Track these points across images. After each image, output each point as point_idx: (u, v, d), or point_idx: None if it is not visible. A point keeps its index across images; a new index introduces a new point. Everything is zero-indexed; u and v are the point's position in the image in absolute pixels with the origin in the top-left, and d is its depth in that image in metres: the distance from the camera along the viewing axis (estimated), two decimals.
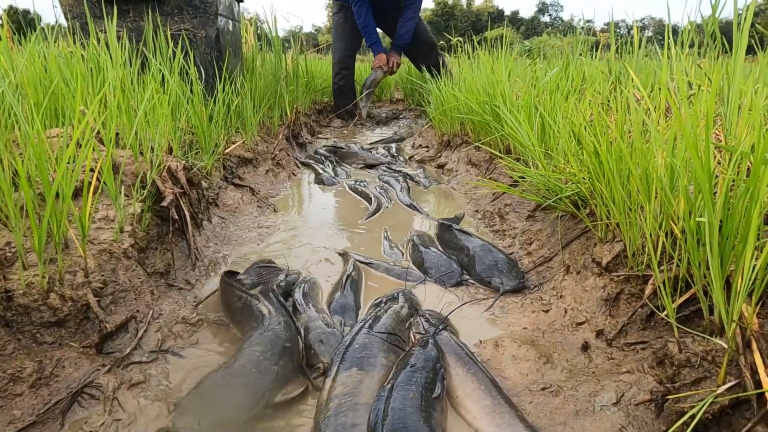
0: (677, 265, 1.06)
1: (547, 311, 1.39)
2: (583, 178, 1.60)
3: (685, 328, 0.91)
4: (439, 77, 3.92)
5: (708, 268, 0.89)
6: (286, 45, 5.67)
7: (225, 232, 2.00)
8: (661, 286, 0.94)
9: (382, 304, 1.40)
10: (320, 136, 4.86)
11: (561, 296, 1.41)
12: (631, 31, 2.53)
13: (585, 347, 1.18)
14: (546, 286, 1.52)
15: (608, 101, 2.08)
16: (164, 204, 1.50)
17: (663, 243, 1.11)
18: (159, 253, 1.53)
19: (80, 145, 1.30)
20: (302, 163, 3.49)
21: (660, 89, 1.47)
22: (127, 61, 2.25)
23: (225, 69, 2.95)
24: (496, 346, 1.23)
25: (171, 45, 2.57)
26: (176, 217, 1.55)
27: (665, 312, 0.98)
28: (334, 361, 1.11)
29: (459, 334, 1.32)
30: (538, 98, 2.40)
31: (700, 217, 0.92)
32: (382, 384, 1.05)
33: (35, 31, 2.38)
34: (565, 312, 1.34)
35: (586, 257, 1.46)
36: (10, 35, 2.70)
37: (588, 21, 9.88)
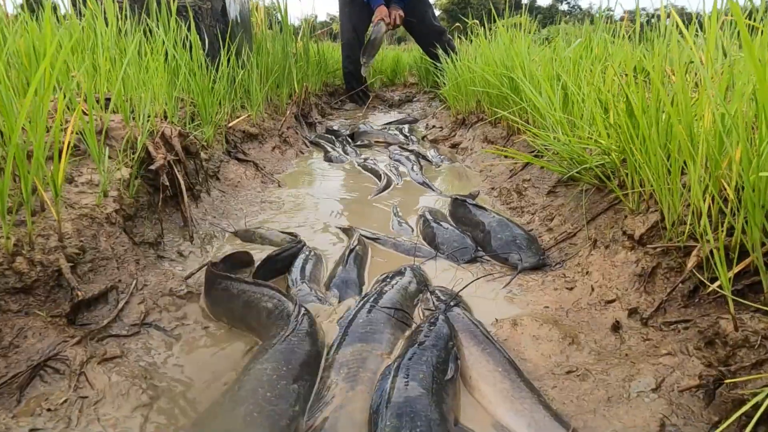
0: (727, 233, 0.92)
1: (571, 289, 1.25)
2: (612, 146, 1.45)
3: (743, 301, 0.77)
4: (455, 56, 3.76)
5: None
6: (299, 31, 5.52)
7: (224, 206, 1.88)
8: (714, 252, 0.80)
9: (388, 279, 1.27)
10: (331, 117, 4.73)
11: (587, 273, 1.27)
12: (652, 20, 2.34)
13: (616, 327, 1.04)
14: (569, 263, 1.38)
15: (640, 67, 1.91)
16: (153, 167, 1.38)
17: (710, 207, 0.96)
18: (149, 222, 1.42)
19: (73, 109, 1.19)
20: (311, 143, 3.37)
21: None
22: (130, 31, 2.14)
23: (230, 41, 2.82)
24: (515, 325, 1.10)
25: (174, 14, 2.46)
26: (167, 184, 1.43)
27: (717, 283, 0.84)
28: (334, 337, 0.99)
29: (473, 313, 1.19)
30: (560, 68, 2.24)
31: (762, 171, 0.78)
32: (387, 363, 0.93)
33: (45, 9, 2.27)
34: (592, 289, 1.20)
35: (615, 230, 1.32)
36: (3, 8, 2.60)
37: (608, 9, 9.57)
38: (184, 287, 1.23)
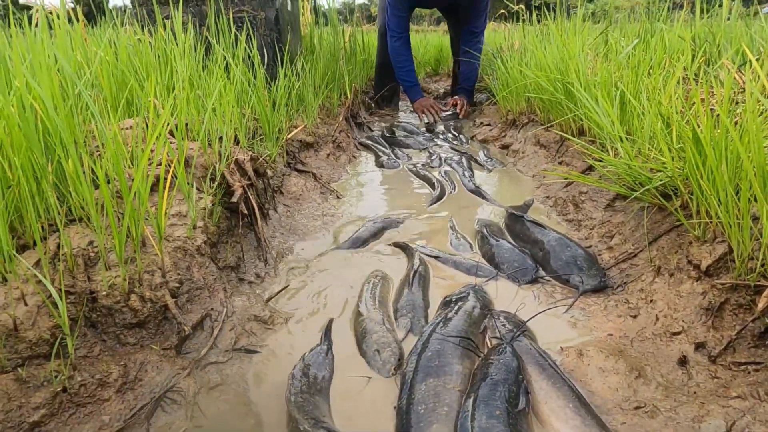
0: None
1: (635, 316, 1.28)
2: (677, 168, 1.45)
3: None
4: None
5: None
6: (340, 18, 5.56)
7: (291, 222, 1.99)
8: None
9: (452, 304, 1.34)
10: (375, 114, 4.79)
11: (651, 300, 1.29)
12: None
13: (683, 362, 1.07)
14: (631, 287, 1.41)
15: (696, 77, 1.88)
16: (234, 199, 1.50)
17: None
18: (229, 246, 1.54)
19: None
20: (361, 144, 3.44)
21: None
22: (192, 48, 2.26)
23: (286, 51, 2.92)
24: (580, 355, 1.15)
25: (233, 29, 2.57)
26: (245, 211, 1.54)
27: None
28: (407, 371, 1.07)
29: (537, 340, 1.24)
30: (617, 74, 2.21)
31: None
32: (460, 395, 1.00)
33: (104, 15, 2.42)
34: (657, 319, 1.23)
35: (679, 257, 1.33)
36: (83, 25, 2.78)
37: None
38: (267, 311, 1.34)
